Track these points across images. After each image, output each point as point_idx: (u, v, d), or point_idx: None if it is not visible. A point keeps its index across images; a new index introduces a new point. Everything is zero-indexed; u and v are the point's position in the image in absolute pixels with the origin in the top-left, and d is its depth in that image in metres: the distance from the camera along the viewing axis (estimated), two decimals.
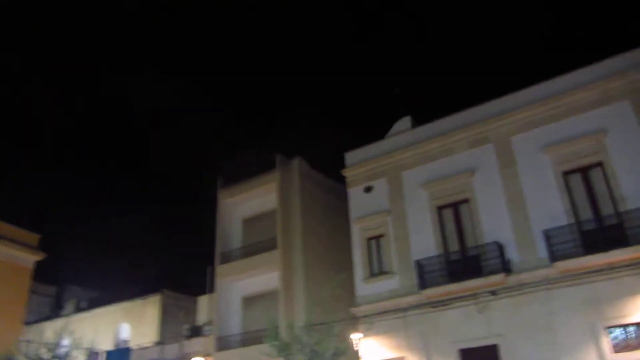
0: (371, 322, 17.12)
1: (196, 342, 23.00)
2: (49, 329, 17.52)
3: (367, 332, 17.30)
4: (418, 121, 20.35)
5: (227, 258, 23.31)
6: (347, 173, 20.72)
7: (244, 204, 24.26)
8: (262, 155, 23.96)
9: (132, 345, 25.14)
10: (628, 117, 15.42)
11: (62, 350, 16.04)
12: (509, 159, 17.16)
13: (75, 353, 16.46)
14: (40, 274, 25.93)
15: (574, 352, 14.14)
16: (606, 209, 15.02)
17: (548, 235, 15.06)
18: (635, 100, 15.47)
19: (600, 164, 15.54)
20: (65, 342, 16.34)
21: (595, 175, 15.61)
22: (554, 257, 14.76)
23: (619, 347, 13.80)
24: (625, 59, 15.97)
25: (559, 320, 14.62)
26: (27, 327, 25.54)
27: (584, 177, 15.79)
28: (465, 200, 17.69)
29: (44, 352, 15.40)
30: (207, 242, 24.33)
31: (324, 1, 58.42)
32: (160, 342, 24.55)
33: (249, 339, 20.89)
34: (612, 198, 14.97)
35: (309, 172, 23.76)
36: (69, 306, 30.42)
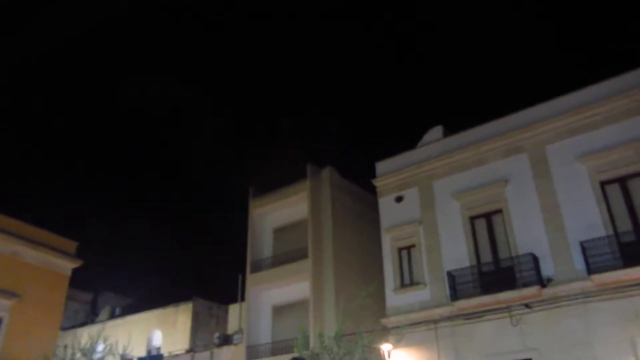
0: (401, 333, 16.92)
1: (226, 350, 23.12)
2: (85, 335, 17.93)
3: (398, 344, 17.09)
4: (450, 130, 20.15)
5: (258, 267, 23.44)
6: (377, 183, 20.63)
7: (275, 214, 24.40)
8: (293, 165, 24.10)
9: (164, 352, 25.44)
10: None
11: (96, 356, 16.35)
12: (543, 169, 16.81)
13: (109, 359, 16.75)
14: (77, 280, 26.55)
15: None
16: None
17: (585, 247, 14.64)
18: None
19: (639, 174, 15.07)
20: (100, 347, 16.64)
21: (635, 186, 15.14)
22: (591, 269, 14.33)
23: None
24: None
25: (596, 335, 14.16)
26: (63, 332, 26.16)
27: (622, 187, 15.31)
28: (499, 211, 17.36)
29: (79, 358, 15.72)
30: (238, 251, 24.52)
31: (355, 12, 58.60)
32: (191, 350, 24.78)
33: (278, 348, 20.89)
34: None
35: (339, 182, 23.76)
36: (104, 313, 31.05)
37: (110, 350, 16.81)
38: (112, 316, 30.12)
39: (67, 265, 24.46)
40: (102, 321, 27.97)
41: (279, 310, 23.03)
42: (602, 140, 15.87)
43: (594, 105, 16.21)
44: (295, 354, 15.36)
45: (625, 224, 14.87)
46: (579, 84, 16.99)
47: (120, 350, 16.91)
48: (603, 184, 15.59)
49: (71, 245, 24.99)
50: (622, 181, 15.38)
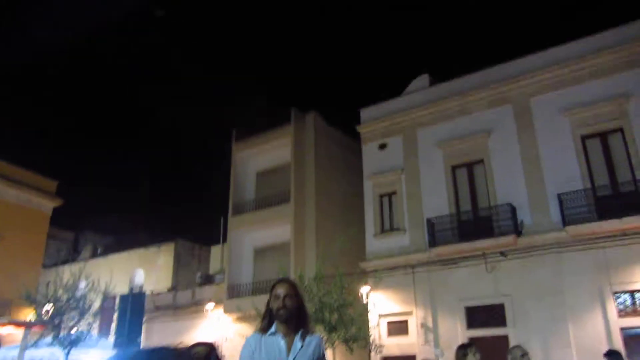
0: (380, 276, 17.38)
1: (208, 290, 23.58)
2: (67, 273, 17.99)
3: (376, 286, 17.60)
4: (436, 79, 20.03)
5: (240, 210, 23.59)
6: (362, 129, 20.61)
7: (258, 157, 24.34)
8: (277, 109, 23.89)
9: (146, 290, 25.85)
10: None
11: (79, 293, 16.52)
12: (527, 121, 16.93)
13: (91, 296, 16.95)
14: (58, 219, 26.49)
15: (580, 314, 14.31)
16: (623, 175, 14.86)
17: (562, 199, 14.99)
18: None
19: (620, 130, 15.28)
20: (82, 284, 16.79)
21: (615, 141, 15.37)
22: (567, 221, 14.73)
23: (625, 312, 13.93)
24: None
25: (567, 283, 14.73)
26: (45, 270, 26.30)
27: (603, 142, 15.56)
28: (480, 161, 17.58)
29: (62, 294, 15.86)
30: (221, 194, 24.59)
31: None
32: (173, 289, 25.22)
33: (259, 288, 21.35)
34: (630, 164, 14.79)
35: (323, 127, 23.68)
36: (86, 251, 31.17)
37: (92, 288, 16.99)
38: (94, 255, 30.27)
39: (48, 204, 24.36)
40: (84, 259, 28.15)
41: (261, 252, 23.38)
42: (586, 94, 15.95)
43: (581, 59, 16.20)
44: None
45: (602, 178, 15.19)
46: (567, 37, 16.95)
47: (103, 288, 17.08)
48: (584, 138, 15.80)
49: (51, 185, 24.80)
50: (603, 136, 15.60)
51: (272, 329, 3.40)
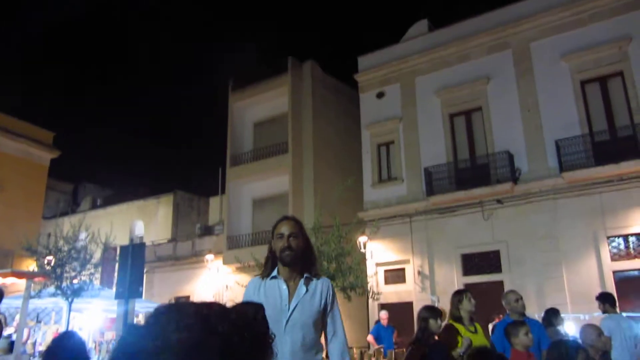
0: (377, 225, 17.52)
1: (208, 240, 23.83)
2: (67, 224, 18.11)
3: (374, 236, 17.74)
4: (435, 25, 19.60)
5: (238, 161, 23.55)
6: (359, 78, 20.33)
7: (255, 107, 24.11)
8: (274, 59, 23.51)
9: (146, 241, 26.13)
10: None
11: (79, 244, 16.67)
12: (526, 67, 16.65)
13: (92, 247, 17.11)
14: (57, 171, 26.52)
15: (574, 258, 14.48)
16: (622, 120, 14.73)
17: (559, 145, 14.92)
18: None
19: (620, 74, 15.04)
20: (82, 236, 16.92)
21: (614, 85, 15.16)
22: (564, 167, 14.70)
23: (618, 256, 14.10)
24: None
25: (561, 228, 14.83)
26: (45, 221, 26.51)
27: (602, 86, 15.35)
28: (479, 109, 17.40)
29: (62, 245, 15.99)
30: (219, 144, 24.50)
31: None
32: (173, 240, 25.48)
33: (258, 239, 21.56)
34: (629, 109, 14.64)
35: (321, 76, 23.35)
36: (85, 203, 31.34)
37: (92, 239, 17.13)
38: (94, 207, 30.44)
39: (45, 156, 24.32)
40: (83, 211, 28.31)
41: (259, 203, 23.48)
42: (586, 38, 15.62)
43: (581, 2, 15.79)
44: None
45: (601, 123, 15.07)
46: None
47: (103, 239, 17.23)
48: (583, 83, 15.58)
49: (48, 136, 24.70)
50: (602, 80, 15.37)
51: (274, 272, 3.02)
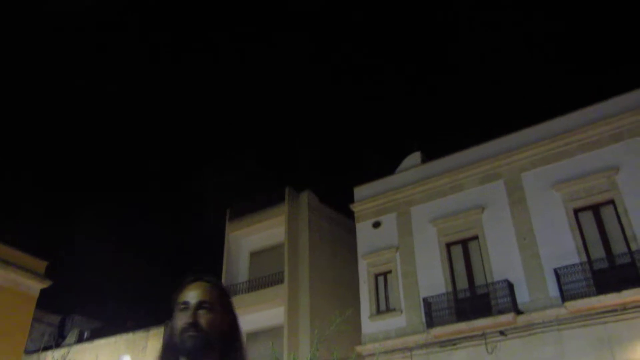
0: None
1: None
2: (49, 359, 17.23)
3: None
4: (428, 157, 20.29)
5: (233, 291, 22.99)
6: (355, 208, 20.59)
7: (251, 237, 24.10)
8: (271, 188, 23.99)
9: None
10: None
11: None
12: (519, 196, 16.95)
13: None
14: (44, 302, 25.75)
15: None
16: (618, 247, 14.70)
17: (559, 274, 14.70)
18: None
19: (612, 202, 15.29)
20: None
21: (607, 213, 15.34)
22: (565, 296, 14.36)
23: None
24: (638, 96, 15.89)
25: None
26: (27, 356, 25.21)
27: (595, 214, 15.52)
28: (475, 237, 17.41)
29: None
30: (214, 274, 24.09)
31: (333, 33, 59.47)
32: None
33: None
34: (625, 236, 14.68)
35: (317, 206, 23.65)
36: (71, 336, 30.06)
37: None
38: (80, 340, 29.17)
39: (35, 286, 23.69)
40: (68, 344, 27.06)
41: (253, 337, 22.51)
42: (576, 168, 16.12)
43: (570, 133, 16.51)
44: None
45: (598, 251, 15.00)
46: (558, 111, 17.39)
47: None
48: (577, 212, 15.76)
49: (41, 265, 24.28)
50: (595, 209, 15.56)
51: None
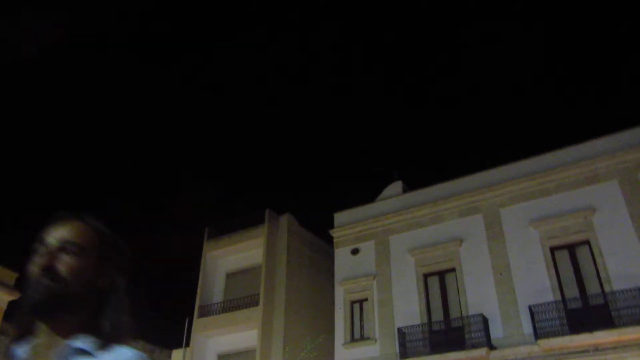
0: None
1: None
2: None
3: None
4: (409, 187, 20.42)
5: (206, 312, 22.70)
6: (335, 233, 20.57)
7: (229, 257, 23.89)
8: (251, 210, 23.89)
9: None
10: (616, 197, 15.55)
11: None
12: (497, 231, 17.12)
13: None
14: (12, 314, 25.11)
15: None
16: (592, 288, 14.90)
17: (533, 312, 14.80)
18: (623, 181, 15.65)
19: (587, 242, 15.52)
20: None
21: (582, 253, 15.56)
22: (539, 334, 14.46)
23: None
24: (616, 140, 16.28)
25: None
26: None
27: (571, 254, 15.73)
28: (452, 270, 17.49)
29: None
30: (188, 294, 23.77)
31: (319, 55, 59.99)
32: None
33: None
34: (599, 277, 14.89)
35: (297, 229, 23.58)
36: None
37: None
38: None
39: (4, 297, 23.13)
40: None
41: (225, 359, 22.19)
42: (554, 206, 16.36)
43: (550, 172, 16.78)
44: None
45: (572, 290, 15.17)
46: (539, 150, 17.76)
47: None
48: (553, 250, 15.96)
49: (10, 276, 23.72)
50: (571, 248, 15.78)
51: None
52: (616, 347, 13.62)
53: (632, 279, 14.16)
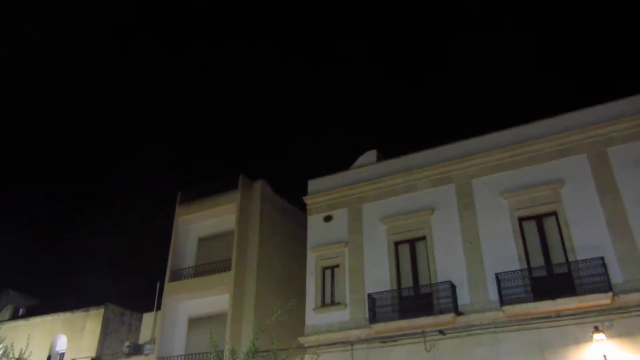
0: (317, 353, 16.77)
1: None
2: None
3: None
4: (383, 155, 20.52)
5: (178, 276, 22.70)
6: (308, 200, 20.63)
7: (201, 222, 23.81)
8: (224, 174, 23.73)
9: (68, 359, 24.00)
10: (584, 171, 15.93)
11: None
12: (468, 201, 17.40)
13: None
14: None
15: None
16: (557, 257, 15.36)
17: (499, 279, 15.22)
18: (592, 155, 16.01)
19: (554, 214, 15.92)
20: None
21: (549, 224, 15.96)
22: (504, 301, 14.90)
23: None
24: (587, 114, 16.58)
25: None
26: None
27: (538, 224, 16.13)
28: (422, 238, 17.77)
29: None
30: (159, 258, 23.70)
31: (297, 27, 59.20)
32: (97, 358, 23.53)
33: None
34: (564, 247, 15.34)
35: (270, 196, 23.57)
36: (5, 312, 28.96)
37: (4, 353, 15.54)
38: (15, 317, 28.16)
39: None
40: (0, 321, 26.08)
41: (196, 322, 22.33)
42: (524, 178, 16.68)
43: (521, 144, 17.03)
44: None
45: (538, 259, 15.62)
46: (512, 122, 17.97)
47: (17, 354, 15.67)
48: (521, 220, 16.33)
49: None
50: (538, 219, 16.17)
51: None
52: (576, 314, 14.15)
53: (595, 250, 14.65)
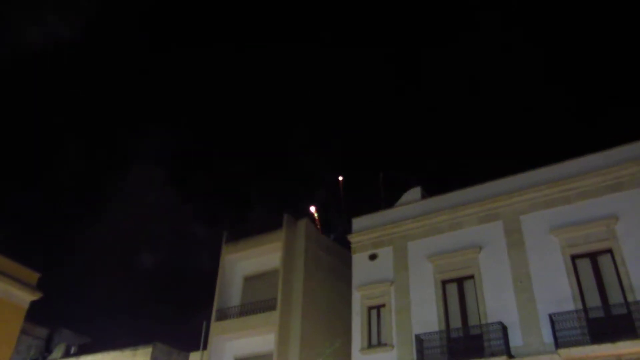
0: None
1: None
2: None
3: None
4: (428, 193, 20.34)
5: (224, 315, 22.81)
6: (352, 238, 20.55)
7: (247, 261, 23.99)
8: (270, 214, 24.01)
9: None
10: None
11: None
12: (517, 238, 16.95)
13: None
14: (34, 313, 25.44)
15: None
16: (614, 297, 14.67)
17: (553, 320, 14.62)
18: None
19: (609, 251, 15.29)
20: None
21: (605, 262, 15.33)
22: (559, 343, 14.27)
23: None
24: (639, 147, 16.02)
25: None
26: None
27: (593, 262, 15.51)
28: (471, 277, 17.35)
29: None
30: (206, 297, 23.90)
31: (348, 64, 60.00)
32: None
33: None
34: (621, 286, 14.65)
35: (315, 234, 23.60)
36: (58, 350, 29.62)
37: None
38: (67, 355, 28.74)
39: (26, 298, 23.44)
40: (54, 359, 26.67)
41: None
42: (576, 214, 16.16)
43: (572, 179, 16.58)
44: None
45: (594, 299, 14.95)
46: (561, 157, 17.48)
47: None
48: (574, 258, 15.74)
49: (33, 277, 24.04)
50: (593, 256, 15.55)
51: None
52: (638, 358, 13.38)
53: None
